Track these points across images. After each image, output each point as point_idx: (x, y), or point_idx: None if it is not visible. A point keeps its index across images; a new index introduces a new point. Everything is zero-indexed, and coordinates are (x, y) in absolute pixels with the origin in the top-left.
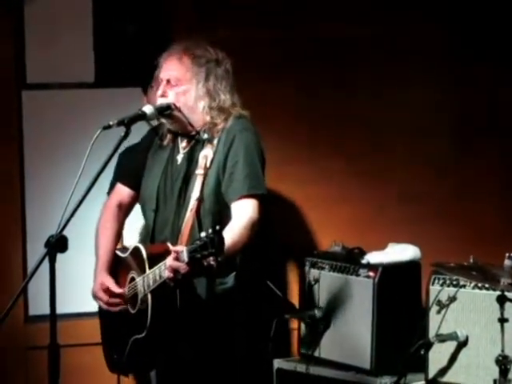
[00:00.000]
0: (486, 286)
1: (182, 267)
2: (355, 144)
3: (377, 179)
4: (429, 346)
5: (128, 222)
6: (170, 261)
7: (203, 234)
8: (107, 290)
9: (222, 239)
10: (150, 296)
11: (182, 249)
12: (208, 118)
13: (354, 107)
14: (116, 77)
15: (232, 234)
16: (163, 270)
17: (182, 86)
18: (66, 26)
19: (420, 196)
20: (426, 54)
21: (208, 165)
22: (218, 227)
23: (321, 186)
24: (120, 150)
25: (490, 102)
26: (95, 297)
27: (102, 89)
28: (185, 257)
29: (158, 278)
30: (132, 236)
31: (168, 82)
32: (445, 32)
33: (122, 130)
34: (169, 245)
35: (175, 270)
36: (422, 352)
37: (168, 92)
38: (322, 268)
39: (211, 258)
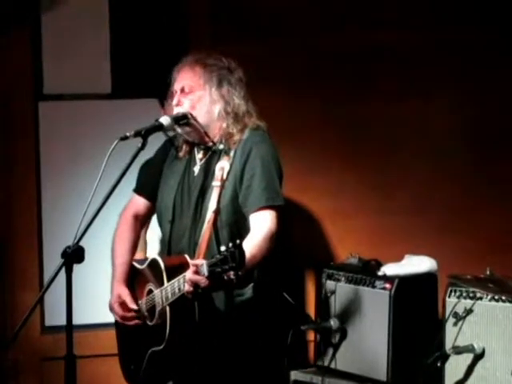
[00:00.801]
0: (503, 298)
1: (202, 281)
2: (372, 156)
3: (393, 192)
4: (445, 358)
5: (151, 232)
6: (189, 274)
7: (223, 248)
8: (123, 304)
9: (242, 253)
10: (168, 309)
11: (201, 262)
12: (224, 125)
13: (371, 120)
14: (133, 88)
15: (251, 246)
16: (182, 283)
17: (197, 93)
18: (83, 38)
19: (436, 208)
20: (442, 67)
21: (225, 176)
22: (238, 241)
23: (338, 198)
24: (141, 162)
25: (506, 113)
26: (111, 309)
27: (118, 100)
28: (205, 270)
29: (176, 290)
30: (154, 247)
31: (182, 90)
32: (460, 42)
33: (138, 141)
34: (187, 257)
35: (195, 284)
36: (439, 364)
37: (183, 100)
38: (339, 280)
39: (231, 272)
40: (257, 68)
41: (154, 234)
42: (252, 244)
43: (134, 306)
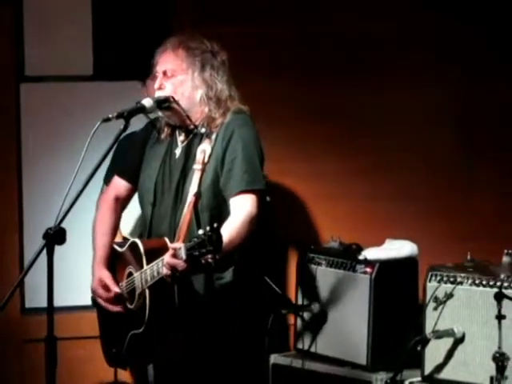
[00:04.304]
0: (484, 282)
1: (180, 264)
2: (353, 141)
3: (375, 176)
4: (425, 342)
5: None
6: (167, 258)
7: (201, 232)
8: (106, 287)
9: (220, 237)
10: (147, 292)
11: (179, 246)
12: (206, 110)
13: (353, 105)
14: (115, 70)
15: (230, 230)
16: (161, 266)
17: (179, 77)
18: (64, 19)
19: (418, 193)
20: (426, 53)
21: (206, 160)
22: (215, 224)
23: (319, 182)
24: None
25: (489, 99)
26: (94, 293)
27: (100, 82)
28: (182, 254)
29: (155, 274)
30: (128, 226)
31: (164, 74)
32: (448, 31)
33: (121, 123)
34: (166, 240)
35: (173, 267)
36: (419, 348)
37: (165, 84)
38: (320, 264)
39: (209, 256)
40: (239, 51)
41: (128, 214)
42: (231, 227)
43: (116, 289)
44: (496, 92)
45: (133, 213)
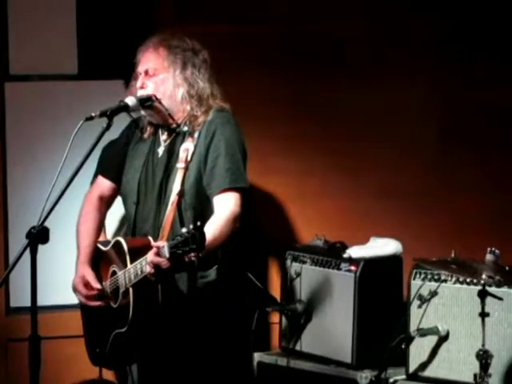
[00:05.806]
0: (467, 280)
1: (163, 263)
2: (338, 139)
3: (359, 173)
4: (410, 340)
5: (111, 214)
6: (150, 256)
7: (184, 230)
8: (87, 284)
9: (203, 235)
10: (131, 290)
11: (162, 244)
12: (188, 108)
13: (338, 102)
14: (99, 69)
15: (213, 228)
16: (144, 265)
17: (160, 75)
18: (49, 18)
19: (402, 190)
20: (411, 53)
21: (189, 158)
22: (199, 223)
23: (304, 179)
24: (104, 143)
25: (473, 99)
26: (75, 290)
27: (85, 81)
28: (166, 252)
29: (139, 272)
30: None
31: (146, 73)
32: (432, 31)
33: (104, 122)
34: (150, 239)
35: (156, 266)
36: (403, 346)
37: (147, 83)
38: (304, 262)
39: (192, 254)
40: (225, 50)
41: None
42: (214, 226)
43: (97, 286)
44: (482, 92)
45: (115, 215)
